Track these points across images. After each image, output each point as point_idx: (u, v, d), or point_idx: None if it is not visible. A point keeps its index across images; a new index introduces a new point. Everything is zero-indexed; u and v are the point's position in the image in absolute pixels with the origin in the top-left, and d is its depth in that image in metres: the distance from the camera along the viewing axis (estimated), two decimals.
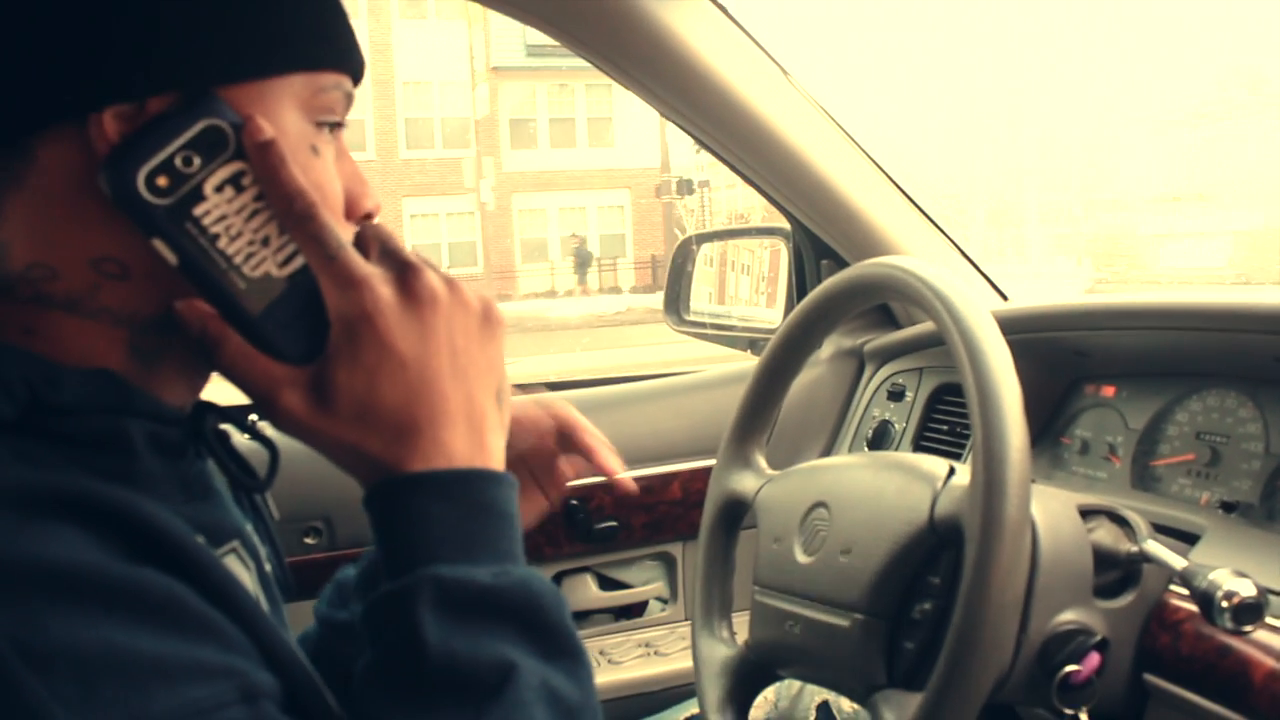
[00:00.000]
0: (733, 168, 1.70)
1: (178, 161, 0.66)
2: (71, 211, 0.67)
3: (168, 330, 0.70)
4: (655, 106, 1.62)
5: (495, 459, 0.73)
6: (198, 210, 0.67)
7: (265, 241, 0.69)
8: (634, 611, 1.84)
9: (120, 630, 0.55)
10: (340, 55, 0.75)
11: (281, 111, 0.71)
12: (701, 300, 2.07)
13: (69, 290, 0.68)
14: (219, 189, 0.68)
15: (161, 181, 0.66)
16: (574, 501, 1.70)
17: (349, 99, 0.77)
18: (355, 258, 0.70)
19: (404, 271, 0.71)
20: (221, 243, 0.68)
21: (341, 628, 0.99)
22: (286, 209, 0.69)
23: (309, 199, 0.69)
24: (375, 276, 0.70)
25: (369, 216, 0.78)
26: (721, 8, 1.53)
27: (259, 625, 0.64)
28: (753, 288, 2.10)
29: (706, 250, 2.10)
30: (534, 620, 0.68)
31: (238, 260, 0.69)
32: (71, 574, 0.56)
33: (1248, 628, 0.96)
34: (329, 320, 0.70)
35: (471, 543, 0.69)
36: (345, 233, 0.75)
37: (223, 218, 0.68)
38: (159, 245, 0.67)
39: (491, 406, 0.74)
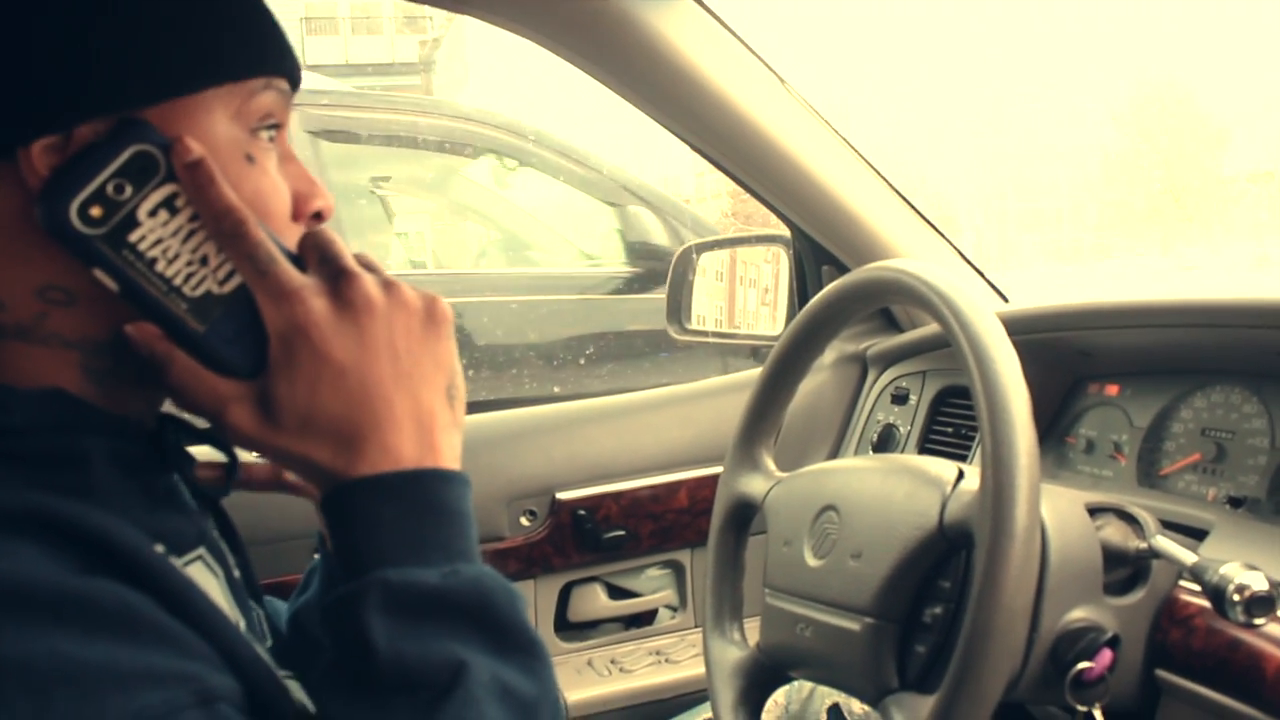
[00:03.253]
0: (731, 175, 1.70)
1: (109, 190, 0.67)
2: (13, 245, 0.68)
3: (120, 351, 0.71)
4: (652, 116, 1.62)
5: (447, 458, 0.73)
6: (133, 236, 0.68)
7: (204, 260, 0.70)
8: (644, 620, 1.85)
9: (72, 641, 0.56)
10: (268, 60, 0.75)
11: (212, 124, 0.71)
12: (711, 312, 2.07)
13: (18, 320, 0.69)
14: (153, 213, 0.68)
15: (95, 212, 0.66)
16: (581, 512, 1.70)
17: (286, 99, 0.77)
18: (287, 270, 0.70)
19: (338, 280, 0.71)
20: (160, 266, 0.68)
21: (290, 619, 0.98)
22: (218, 228, 0.69)
23: (238, 215, 0.69)
24: (308, 288, 0.70)
25: (320, 216, 0.78)
26: (717, 17, 1.53)
27: (218, 629, 0.64)
28: (759, 300, 2.10)
29: (715, 265, 2.10)
30: (485, 618, 0.68)
31: (177, 282, 0.69)
32: (23, 588, 0.56)
33: (1259, 620, 0.97)
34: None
35: (421, 543, 0.69)
36: (292, 236, 0.75)
37: (159, 241, 0.68)
38: (99, 274, 0.67)
39: (441, 405, 0.74)
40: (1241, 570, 0.97)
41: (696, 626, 1.82)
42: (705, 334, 2.07)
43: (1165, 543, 1.04)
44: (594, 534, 1.71)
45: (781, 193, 1.68)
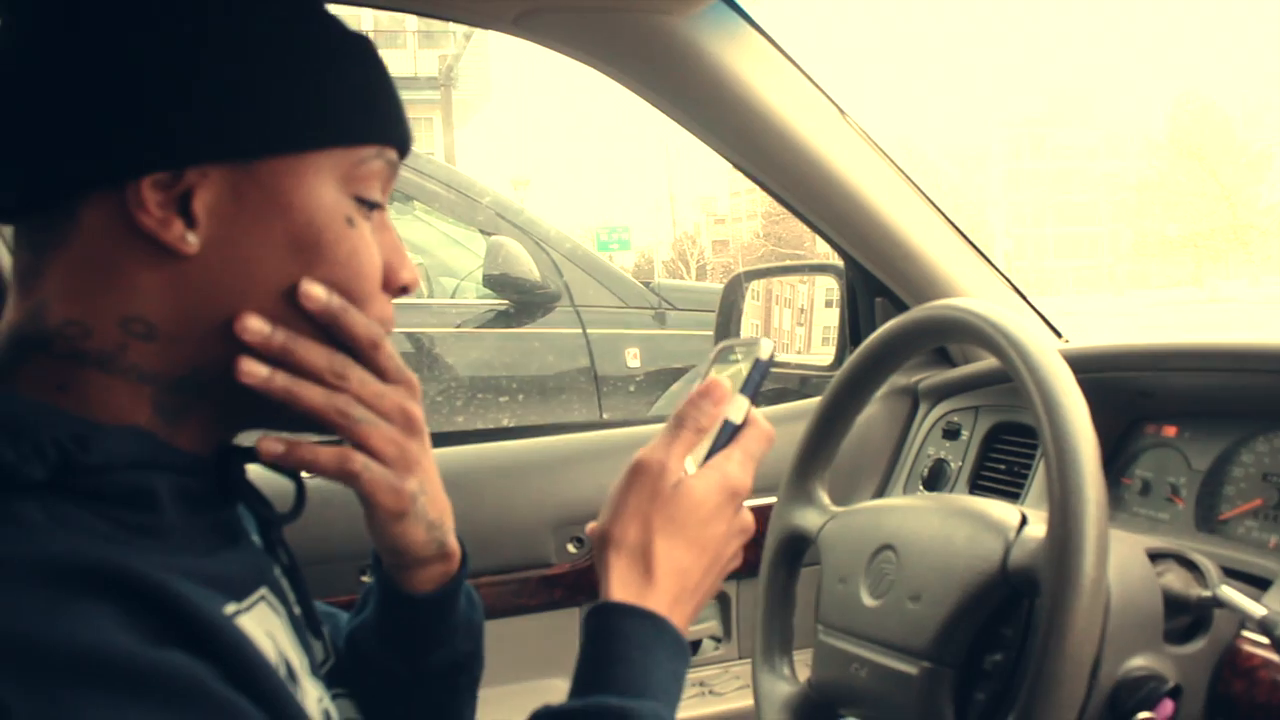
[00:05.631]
0: (787, 205, 1.70)
1: None
2: (106, 273, 0.69)
3: (191, 390, 0.72)
4: (712, 145, 1.63)
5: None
6: None
7: None
8: None
9: (144, 716, 0.56)
10: (382, 129, 0.77)
11: (319, 183, 0.73)
12: (748, 331, 2.07)
13: (100, 348, 0.69)
14: None
15: None
16: None
17: (393, 169, 0.78)
18: None
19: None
20: None
21: (346, 640, 0.98)
22: None
23: None
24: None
25: (405, 289, 0.80)
26: (778, 46, 1.53)
27: (281, 706, 0.65)
28: (793, 320, 2.10)
29: (753, 286, 2.11)
30: None
31: None
32: (100, 658, 0.56)
33: None
34: None
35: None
36: (378, 306, 0.77)
37: None
38: None
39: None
40: None
41: (741, 658, 1.81)
42: None
43: (1231, 593, 1.03)
44: None
45: (838, 223, 1.68)
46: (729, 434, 0.87)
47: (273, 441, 0.76)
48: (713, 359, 0.94)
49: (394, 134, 0.78)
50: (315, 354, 0.75)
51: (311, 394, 0.75)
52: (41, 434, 0.63)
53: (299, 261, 0.72)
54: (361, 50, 0.77)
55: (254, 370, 0.73)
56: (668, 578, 0.84)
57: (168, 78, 0.68)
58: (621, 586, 0.83)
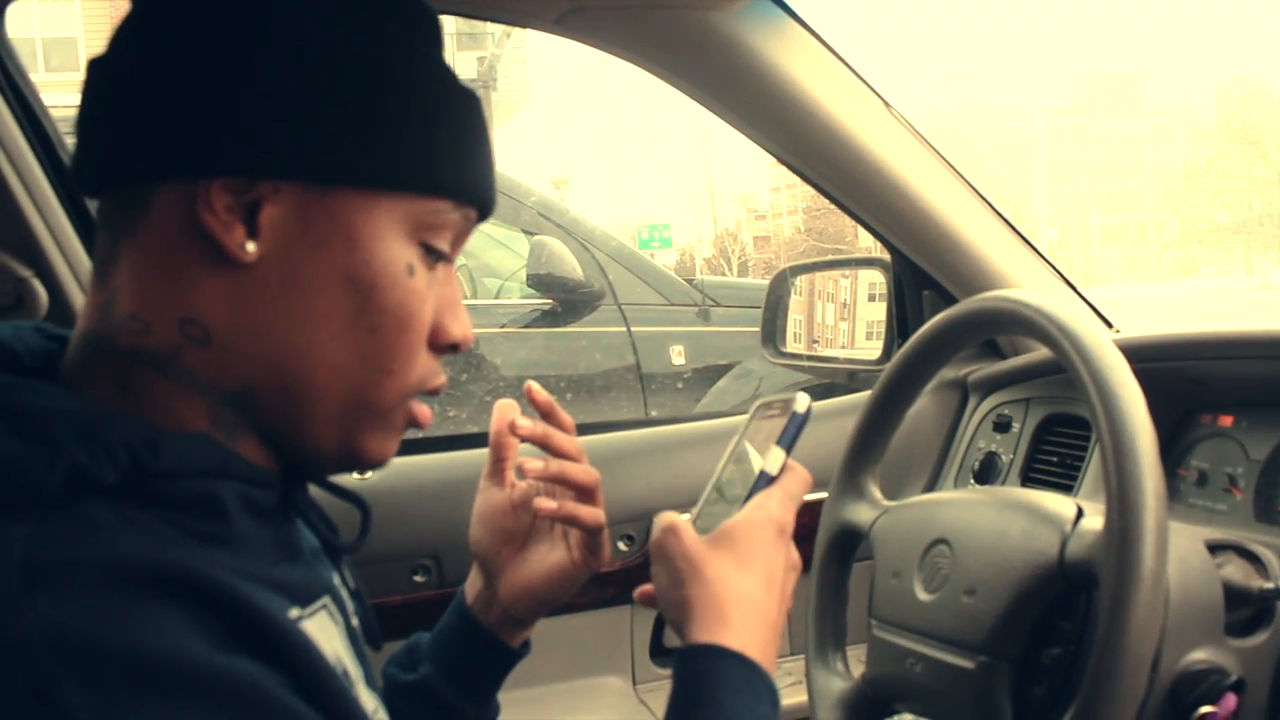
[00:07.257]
0: (833, 199, 1.69)
1: None
2: (170, 268, 0.69)
3: (244, 409, 0.72)
4: (756, 140, 1.62)
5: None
6: None
7: None
8: None
9: None
10: (463, 186, 0.75)
11: (387, 225, 0.72)
12: (793, 327, 2.07)
13: (157, 347, 0.69)
14: None
15: None
16: None
17: (469, 225, 0.78)
18: None
19: None
20: None
21: (405, 689, 1.01)
22: None
23: None
24: None
25: (455, 347, 0.78)
26: (821, 40, 1.53)
27: (346, 711, 0.66)
28: (836, 314, 2.09)
29: (797, 281, 2.10)
30: None
31: None
32: (167, 664, 0.56)
33: None
34: None
35: None
36: (422, 365, 0.76)
37: None
38: None
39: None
40: None
41: (792, 654, 1.81)
42: (800, 358, 2.06)
43: None
44: None
45: (885, 217, 1.67)
46: (765, 486, 0.89)
47: (549, 502, 0.94)
48: (751, 416, 0.97)
49: (475, 194, 0.77)
50: (581, 475, 0.96)
51: (584, 512, 0.96)
52: (113, 437, 0.64)
53: (351, 298, 0.71)
54: (465, 106, 0.76)
55: (546, 505, 0.94)
56: (743, 614, 0.83)
57: (266, 87, 0.68)
58: (700, 631, 0.82)
